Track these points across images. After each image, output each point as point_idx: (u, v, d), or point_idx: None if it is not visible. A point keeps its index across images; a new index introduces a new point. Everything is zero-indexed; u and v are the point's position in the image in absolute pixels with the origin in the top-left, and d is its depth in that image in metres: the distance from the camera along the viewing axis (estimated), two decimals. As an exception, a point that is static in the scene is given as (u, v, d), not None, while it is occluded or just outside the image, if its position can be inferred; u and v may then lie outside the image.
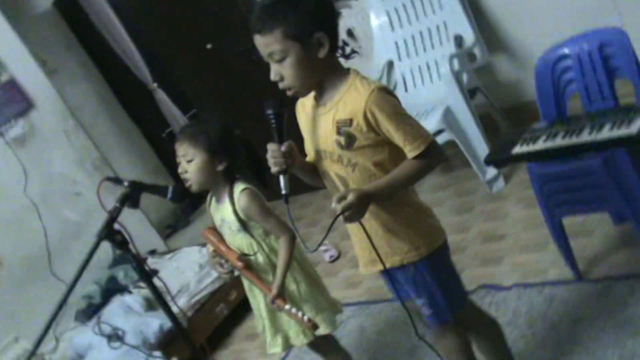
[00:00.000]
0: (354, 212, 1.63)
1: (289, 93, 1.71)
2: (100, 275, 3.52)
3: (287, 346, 2.36)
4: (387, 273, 1.86)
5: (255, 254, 2.23)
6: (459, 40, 3.50)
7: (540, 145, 2.21)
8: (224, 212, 2.23)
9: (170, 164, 4.32)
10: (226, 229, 2.26)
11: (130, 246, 2.00)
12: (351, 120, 1.69)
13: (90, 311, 3.39)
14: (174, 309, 2.19)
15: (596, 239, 2.63)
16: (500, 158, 2.39)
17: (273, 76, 1.68)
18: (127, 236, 1.99)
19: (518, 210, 3.10)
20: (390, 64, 3.73)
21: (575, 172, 2.21)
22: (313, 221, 4.11)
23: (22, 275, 3.56)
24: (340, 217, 1.64)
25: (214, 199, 2.29)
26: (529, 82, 2.53)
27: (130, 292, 3.36)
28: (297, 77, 1.66)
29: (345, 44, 3.93)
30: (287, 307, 2.12)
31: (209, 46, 4.38)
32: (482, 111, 3.52)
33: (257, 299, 2.32)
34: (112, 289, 3.43)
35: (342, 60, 3.58)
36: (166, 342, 3.15)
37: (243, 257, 2.20)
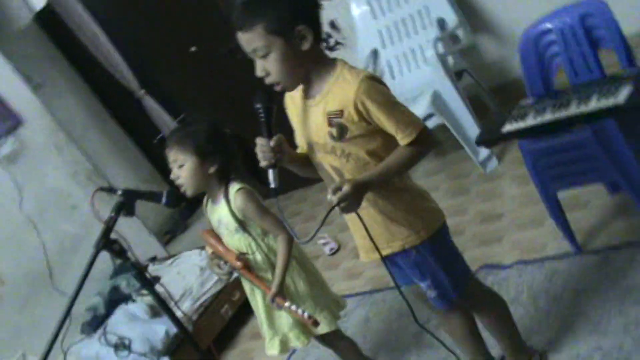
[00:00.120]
0: (350, 202, 1.63)
1: (276, 88, 1.71)
2: (102, 286, 3.52)
3: (286, 348, 2.35)
4: (388, 260, 1.87)
5: (253, 253, 2.23)
6: (441, 24, 3.49)
7: (530, 121, 2.21)
8: (221, 213, 2.23)
9: (164, 169, 4.30)
10: (224, 230, 2.25)
11: (129, 254, 2.00)
12: (342, 111, 1.69)
13: (96, 323, 3.39)
14: (178, 314, 2.20)
15: (592, 210, 2.64)
16: (491, 138, 2.40)
17: (258, 72, 1.68)
18: (125, 245, 1.99)
19: (513, 188, 3.11)
20: (375, 53, 3.73)
21: (566, 146, 2.21)
22: (310, 215, 4.11)
23: (25, 292, 3.56)
24: (337, 208, 1.64)
25: (210, 201, 2.29)
26: (514, 60, 2.53)
27: (133, 301, 3.36)
28: (282, 72, 1.66)
29: (329, 35, 3.93)
30: (286, 304, 2.12)
31: (192, 49, 4.37)
32: (470, 92, 3.53)
33: (256, 300, 2.33)
34: (115, 299, 3.43)
35: (327, 52, 3.57)
36: (173, 347, 3.16)
37: (241, 256, 2.21)
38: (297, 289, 2.26)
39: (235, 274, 2.29)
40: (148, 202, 2.23)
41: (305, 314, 2.09)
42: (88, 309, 3.44)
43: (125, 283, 3.45)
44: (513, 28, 3.39)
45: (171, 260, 3.86)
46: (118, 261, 2.92)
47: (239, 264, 2.19)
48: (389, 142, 1.72)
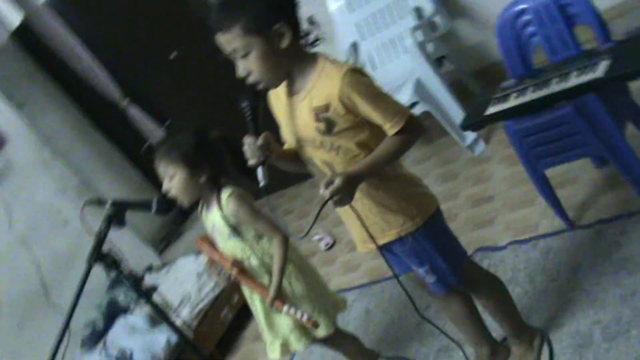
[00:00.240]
0: (343, 195, 1.63)
1: (259, 87, 1.71)
2: (100, 300, 3.51)
3: (287, 351, 2.35)
4: (385, 249, 1.88)
5: (248, 258, 2.23)
6: (418, 12, 3.50)
7: (512, 102, 2.22)
8: (214, 219, 2.22)
9: (154, 178, 4.30)
10: (217, 236, 2.25)
11: (123, 266, 1.99)
12: (328, 106, 1.69)
13: (96, 337, 3.38)
14: (178, 322, 2.19)
15: (581, 185, 2.66)
16: (475, 121, 2.41)
17: (240, 72, 1.68)
18: (118, 256, 1.98)
19: (502, 170, 3.12)
20: (355, 46, 3.73)
21: (549, 123, 2.22)
22: (303, 212, 4.11)
23: (21, 312, 3.54)
24: (330, 203, 1.64)
25: (204, 207, 2.28)
26: (493, 43, 2.53)
27: (132, 312, 3.35)
28: (264, 70, 1.66)
29: (308, 32, 3.91)
30: (285, 308, 2.12)
31: (173, 54, 4.36)
32: (452, 78, 3.53)
33: (255, 305, 2.32)
34: (114, 312, 3.42)
35: (308, 48, 3.56)
36: (175, 355, 3.15)
37: (236, 263, 2.20)
38: (294, 292, 2.25)
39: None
40: (140, 212, 2.22)
41: (305, 316, 2.09)
42: (87, 323, 3.42)
43: (123, 295, 3.44)
44: (489, 11, 3.39)
45: (167, 267, 3.86)
46: (113, 274, 2.92)
47: (234, 271, 2.18)
48: (378, 132, 1.72)
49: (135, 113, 4.78)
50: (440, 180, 3.39)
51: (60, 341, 1.89)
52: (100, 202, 2.11)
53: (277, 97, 1.82)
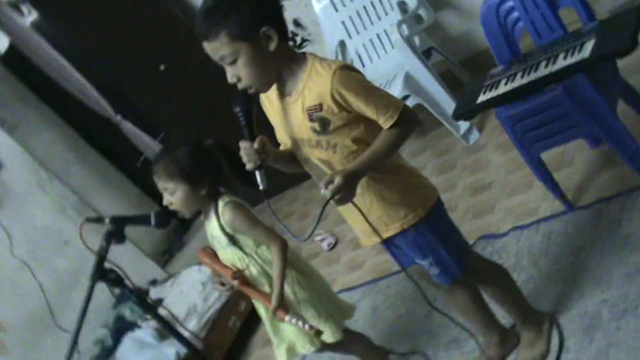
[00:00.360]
0: (344, 193, 1.64)
1: (250, 91, 1.71)
2: (106, 317, 3.50)
3: (293, 355, 2.34)
4: (388, 243, 1.87)
5: (247, 267, 2.22)
6: (402, 6, 3.51)
7: (502, 88, 2.23)
8: (213, 228, 2.22)
9: (152, 191, 4.30)
10: (217, 245, 2.25)
11: (126, 282, 1.99)
12: (321, 105, 1.69)
13: (105, 355, 3.37)
14: (186, 334, 2.19)
15: (577, 166, 2.66)
16: (467, 110, 2.41)
17: (230, 78, 1.68)
18: (120, 272, 1.98)
19: (498, 156, 3.12)
20: (342, 44, 3.73)
21: (541, 107, 2.22)
22: (304, 214, 4.11)
23: (28, 337, 3.53)
24: (332, 202, 1.64)
25: (205, 216, 2.28)
26: (479, 31, 2.54)
27: (140, 327, 3.34)
28: (253, 75, 1.66)
29: (295, 34, 3.93)
30: (287, 318, 2.12)
31: (162, 67, 4.36)
32: (441, 69, 3.54)
33: (260, 310, 2.33)
34: (121, 328, 3.41)
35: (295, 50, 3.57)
36: (187, 367, 3.15)
37: (236, 273, 2.19)
38: (298, 298, 2.24)
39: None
40: (139, 226, 2.22)
41: (306, 326, 2.09)
42: (95, 342, 3.41)
43: (129, 311, 3.43)
44: (473, 0, 3.40)
45: (172, 280, 3.85)
46: (117, 290, 2.92)
47: (235, 282, 2.18)
48: (373, 126, 1.72)
49: (129, 128, 4.78)
50: (437, 172, 3.39)
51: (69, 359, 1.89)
52: (99, 220, 2.11)
53: (269, 100, 1.82)
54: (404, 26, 3.39)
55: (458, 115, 2.48)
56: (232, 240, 2.19)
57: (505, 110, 2.32)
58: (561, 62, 2.00)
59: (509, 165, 2.98)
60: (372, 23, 3.62)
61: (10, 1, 4.39)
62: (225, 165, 2.20)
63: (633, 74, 2.64)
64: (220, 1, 1.63)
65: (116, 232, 2.02)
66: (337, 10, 3.69)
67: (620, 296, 2.08)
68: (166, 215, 2.19)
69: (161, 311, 2.75)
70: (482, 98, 2.24)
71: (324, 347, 2.34)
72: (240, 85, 1.69)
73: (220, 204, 2.17)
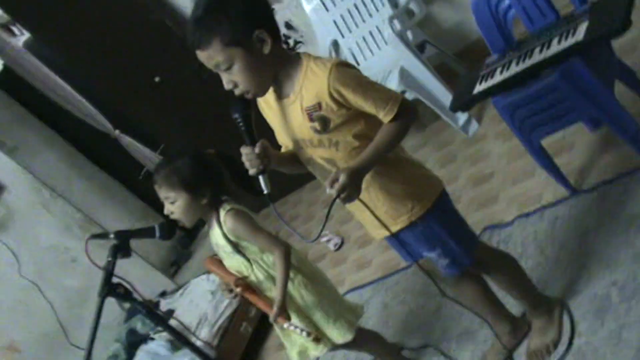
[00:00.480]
0: (350, 191, 1.63)
1: (247, 96, 1.70)
2: (119, 332, 3.51)
3: (305, 357, 2.33)
4: (396, 237, 1.87)
5: (252, 273, 2.22)
6: (393, 1, 3.50)
7: (498, 77, 2.22)
8: (216, 236, 2.22)
9: (155, 203, 4.30)
10: (222, 253, 2.25)
11: (135, 295, 1.99)
12: (319, 104, 1.69)
13: (120, 369, 3.38)
14: (198, 343, 2.19)
15: (578, 150, 2.65)
16: (464, 101, 2.41)
17: (226, 85, 1.67)
18: (128, 286, 1.98)
19: (498, 146, 3.12)
20: (335, 44, 3.73)
21: (538, 93, 2.22)
22: (309, 216, 4.11)
23: (43, 356, 3.54)
24: (339, 200, 1.64)
25: (208, 225, 2.28)
26: (471, 22, 2.53)
27: (152, 339, 3.34)
28: (249, 80, 1.66)
29: (287, 37, 3.93)
30: (285, 325, 2.12)
31: (157, 79, 4.36)
32: (436, 62, 3.53)
33: None
34: (134, 342, 3.41)
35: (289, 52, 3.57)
36: (201, 376, 3.14)
37: (239, 281, 2.19)
38: (305, 302, 2.24)
39: None
40: (145, 239, 2.22)
41: (304, 333, 2.09)
42: (110, 357, 3.42)
43: (141, 324, 3.44)
44: (464, -10, 3.40)
45: (181, 290, 3.85)
46: (127, 304, 2.92)
47: (238, 289, 2.18)
48: (373, 120, 1.72)
49: (128, 141, 4.79)
50: (438, 165, 3.39)
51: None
52: (103, 235, 2.11)
53: (267, 103, 1.82)
54: (395, 21, 3.38)
55: (455, 107, 2.48)
56: (236, 248, 2.19)
57: (502, 98, 2.32)
58: (555, 47, 2.00)
59: (510, 154, 2.97)
60: (363, 20, 3.62)
61: (1, 23, 4.40)
62: (226, 173, 2.19)
63: (629, 54, 2.63)
64: (210, 8, 1.62)
65: (121, 246, 2.02)
66: (327, 10, 3.69)
67: (628, 277, 2.07)
68: (170, 227, 2.18)
69: (172, 322, 2.76)
70: (478, 88, 2.23)
71: (337, 346, 2.34)
72: (237, 91, 1.68)
73: (222, 212, 2.17)
